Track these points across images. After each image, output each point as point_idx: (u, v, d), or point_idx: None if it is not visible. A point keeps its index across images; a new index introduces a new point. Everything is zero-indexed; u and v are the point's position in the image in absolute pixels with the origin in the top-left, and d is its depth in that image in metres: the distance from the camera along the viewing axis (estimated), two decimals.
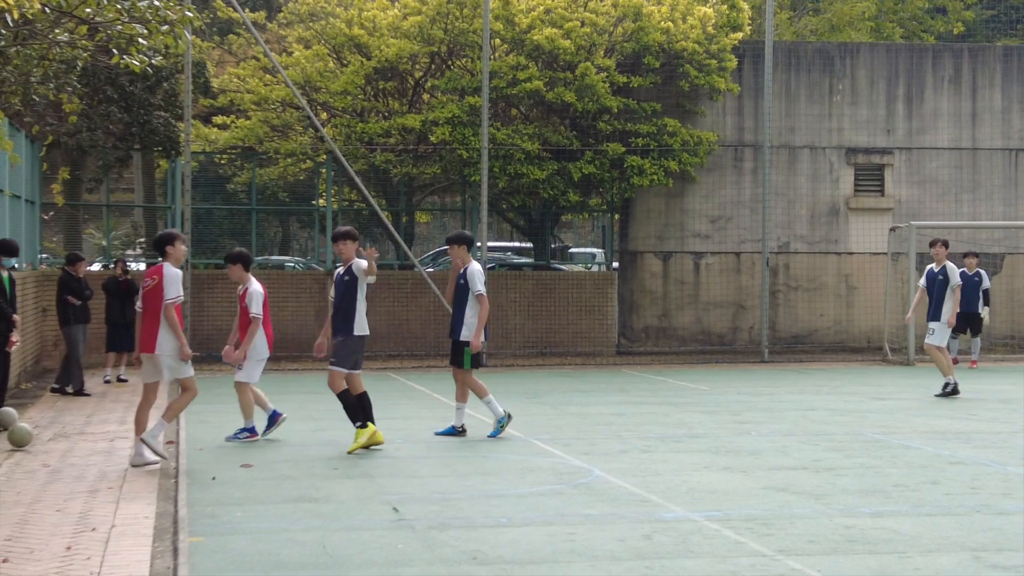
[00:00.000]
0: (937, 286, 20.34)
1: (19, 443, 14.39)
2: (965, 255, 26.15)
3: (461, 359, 15.33)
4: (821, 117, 29.45)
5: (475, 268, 15.25)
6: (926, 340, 20.31)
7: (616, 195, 28.71)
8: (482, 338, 15.23)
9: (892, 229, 28.55)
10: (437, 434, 15.54)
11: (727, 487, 12.01)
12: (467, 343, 15.22)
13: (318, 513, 10.82)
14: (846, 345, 29.29)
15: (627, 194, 28.33)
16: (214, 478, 12.47)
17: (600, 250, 37.65)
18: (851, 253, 29.45)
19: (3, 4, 9.32)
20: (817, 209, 29.44)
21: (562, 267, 32.63)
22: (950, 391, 19.97)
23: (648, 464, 13.40)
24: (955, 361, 25.71)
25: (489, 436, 15.36)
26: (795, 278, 29.38)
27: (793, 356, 28.24)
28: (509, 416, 15.55)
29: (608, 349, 28.36)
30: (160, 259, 13.45)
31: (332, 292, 14.63)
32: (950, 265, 20.41)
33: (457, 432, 15.46)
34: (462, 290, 15.22)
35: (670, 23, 27.49)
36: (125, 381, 22.09)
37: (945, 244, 20.69)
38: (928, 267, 20.72)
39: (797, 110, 29.38)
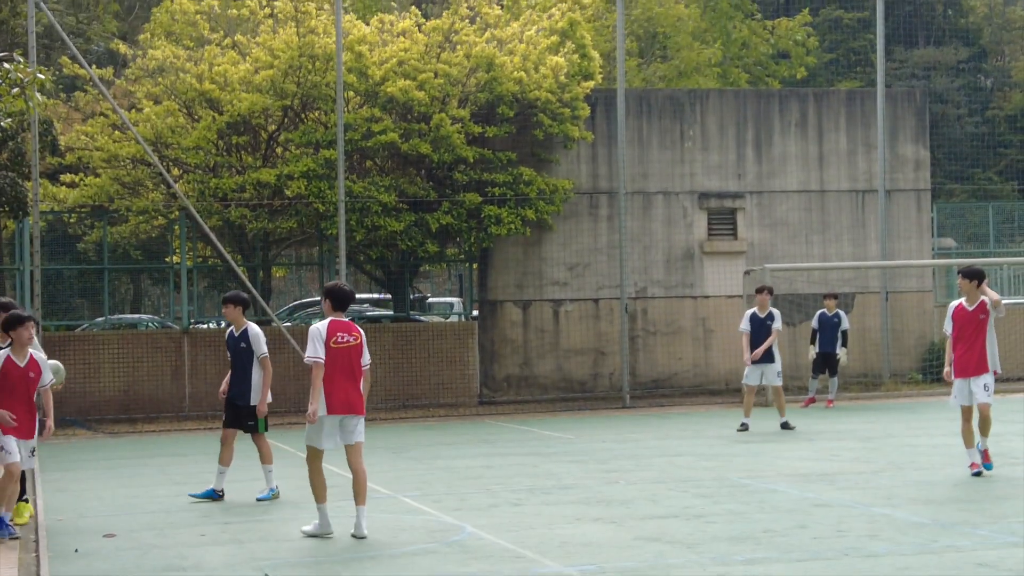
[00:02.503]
0: (765, 331, 21.97)
1: None
2: (825, 296, 26.68)
3: (253, 423, 15.27)
4: (674, 163, 29.86)
5: (256, 330, 15.23)
6: (776, 383, 22.08)
7: (474, 245, 28.74)
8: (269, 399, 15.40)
9: (747, 272, 28.99)
10: (193, 496, 15.29)
11: (600, 539, 12.00)
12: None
13: None
14: (705, 388, 29.62)
15: (485, 244, 28.37)
16: (76, 550, 12.13)
17: (458, 299, 37.68)
18: (707, 296, 29.84)
19: None
20: (672, 254, 29.79)
21: (421, 318, 32.56)
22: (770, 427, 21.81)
23: (520, 518, 13.35)
24: (812, 400, 26.18)
25: (258, 499, 15.18)
26: (653, 323, 29.66)
27: (654, 401, 28.47)
28: (278, 490, 15.37)
29: (470, 400, 28.29)
30: (328, 314, 12.71)
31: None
32: (775, 311, 22.26)
33: (217, 496, 15.23)
34: (244, 353, 15.13)
35: (523, 73, 27.68)
36: None
37: (770, 291, 22.19)
38: (751, 311, 22.01)
39: (650, 156, 29.75)
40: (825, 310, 26.20)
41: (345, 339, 12.52)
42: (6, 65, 12.37)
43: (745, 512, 13.30)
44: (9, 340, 12.79)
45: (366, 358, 12.67)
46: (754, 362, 21.74)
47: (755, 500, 14.09)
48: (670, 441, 20.84)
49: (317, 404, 12.38)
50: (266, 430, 15.35)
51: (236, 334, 15.24)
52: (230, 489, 15.48)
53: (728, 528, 12.38)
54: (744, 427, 21.50)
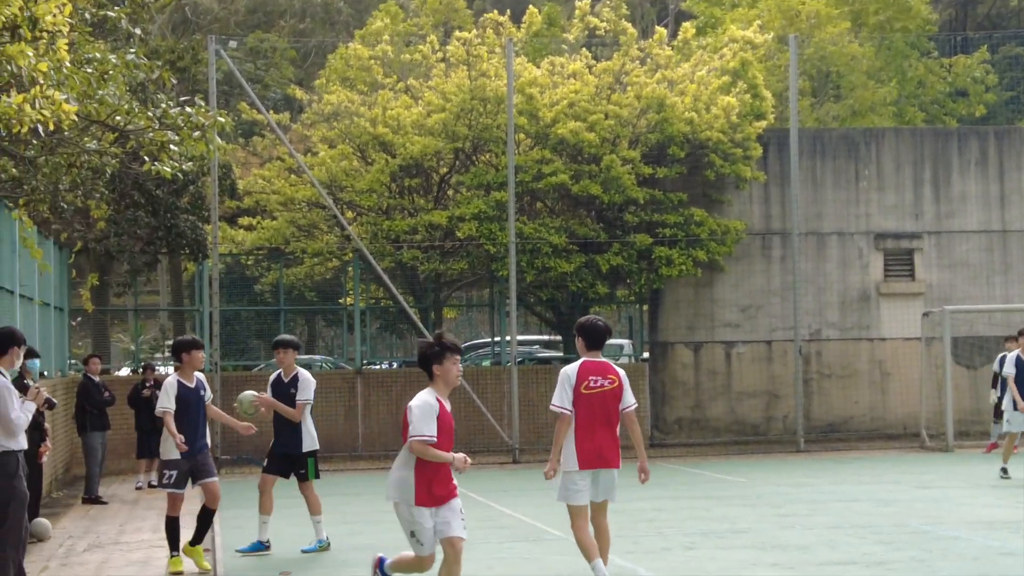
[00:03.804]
0: None
1: (40, 537, 15.46)
2: (1007, 339, 25.79)
3: (304, 471, 14.53)
4: (848, 203, 29.34)
5: (308, 375, 14.54)
6: None
7: (644, 286, 28.59)
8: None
9: (925, 314, 28.27)
10: (240, 551, 14.46)
11: None
12: (311, 454, 14.55)
13: None
14: (882, 432, 28.94)
15: (655, 285, 28.20)
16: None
17: (627, 341, 37.48)
18: (883, 339, 29.19)
19: (40, 116, 9.30)
20: (848, 295, 29.24)
21: None
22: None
23: (694, 562, 13.11)
24: (995, 446, 25.36)
25: (303, 551, 14.46)
26: (828, 365, 29.11)
27: (829, 444, 27.87)
28: (328, 543, 14.64)
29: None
30: (596, 356, 11.14)
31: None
32: None
33: (264, 547, 14.49)
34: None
35: (694, 113, 27.50)
36: (156, 487, 21.83)
37: None
38: (1015, 354, 20.60)
39: (824, 197, 29.28)
40: (1007, 353, 25.36)
41: (599, 383, 10.96)
42: (188, 109, 12.67)
43: (928, 560, 12.88)
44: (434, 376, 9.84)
45: (627, 400, 11.08)
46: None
47: (938, 548, 13.65)
48: (846, 486, 20.34)
49: (555, 462, 11.01)
50: (316, 477, 14.71)
51: (286, 379, 14.55)
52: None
53: None
54: (1005, 473, 20.33)
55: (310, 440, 14.59)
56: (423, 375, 9.70)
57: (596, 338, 11.04)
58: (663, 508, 17.91)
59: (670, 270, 27.42)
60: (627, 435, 11.42)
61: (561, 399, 10.92)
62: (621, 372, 11.10)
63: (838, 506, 17.58)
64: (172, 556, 13.31)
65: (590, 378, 10.93)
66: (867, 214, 29.40)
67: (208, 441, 13.76)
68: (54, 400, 12.45)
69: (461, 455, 9.60)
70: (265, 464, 14.75)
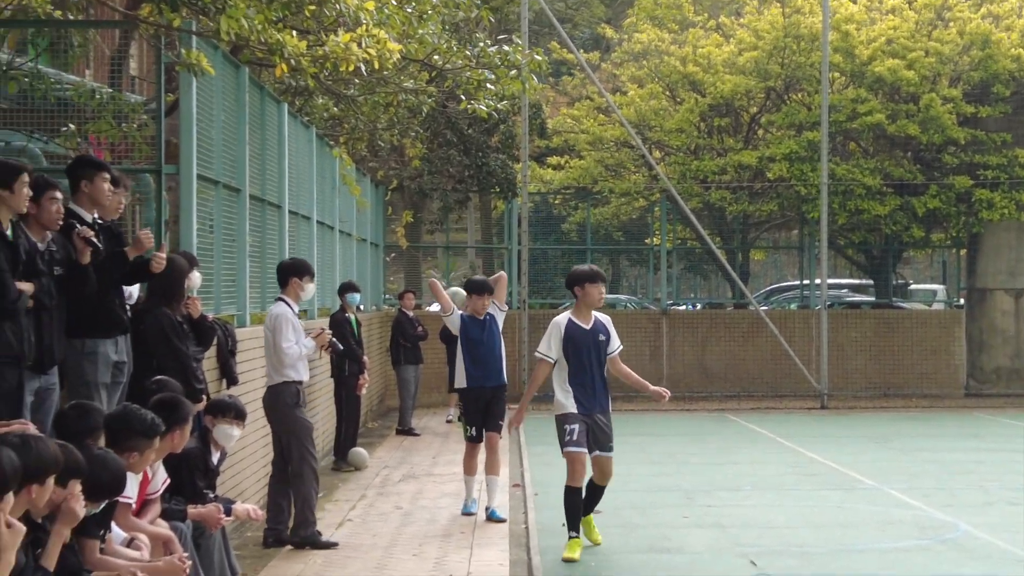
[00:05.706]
0: None
1: (358, 466, 16.14)
2: None
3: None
4: None
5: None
6: None
7: (962, 230, 27.50)
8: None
9: None
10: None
11: None
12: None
13: (673, 565, 10.53)
14: None
15: (975, 229, 27.09)
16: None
17: (941, 286, 36.26)
18: None
19: (366, 55, 9.45)
20: None
21: (904, 305, 31.47)
22: None
23: (1020, 519, 12.55)
24: None
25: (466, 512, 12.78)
26: None
27: None
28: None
29: (955, 391, 27.07)
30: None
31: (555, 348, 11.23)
32: None
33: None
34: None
35: (1021, 50, 26.21)
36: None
37: None
38: None
39: None
40: None
41: None
42: (506, 47, 12.71)
43: None
44: None
45: None
46: None
47: None
48: None
49: None
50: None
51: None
52: (716, 472, 15.38)
53: None
54: None
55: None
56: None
57: None
58: (981, 460, 17.25)
59: (991, 213, 26.32)
60: None
61: None
62: None
63: None
64: (570, 538, 11.08)
65: None
66: None
67: (609, 402, 11.48)
68: (340, 346, 12.46)
69: None
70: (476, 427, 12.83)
